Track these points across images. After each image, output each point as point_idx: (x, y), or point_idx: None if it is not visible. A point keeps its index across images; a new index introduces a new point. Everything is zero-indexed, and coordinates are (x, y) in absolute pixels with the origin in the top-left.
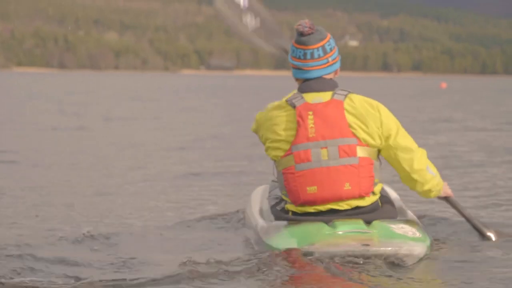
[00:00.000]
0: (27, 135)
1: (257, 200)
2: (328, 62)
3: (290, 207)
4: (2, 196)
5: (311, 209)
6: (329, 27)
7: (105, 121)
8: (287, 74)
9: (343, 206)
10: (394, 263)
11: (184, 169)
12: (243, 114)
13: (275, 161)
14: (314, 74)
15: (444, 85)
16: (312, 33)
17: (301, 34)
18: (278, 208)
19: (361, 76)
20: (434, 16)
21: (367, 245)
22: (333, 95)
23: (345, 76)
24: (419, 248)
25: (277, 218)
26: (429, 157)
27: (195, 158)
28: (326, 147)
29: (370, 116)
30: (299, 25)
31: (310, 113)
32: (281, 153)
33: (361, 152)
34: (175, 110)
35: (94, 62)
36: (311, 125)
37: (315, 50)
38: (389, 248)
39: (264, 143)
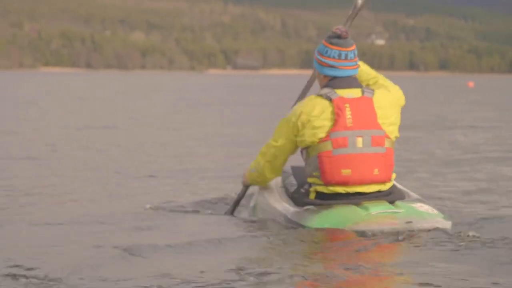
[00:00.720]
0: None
1: (271, 188)
2: (356, 64)
3: (320, 188)
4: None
5: (341, 189)
6: (355, 26)
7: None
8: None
9: (369, 189)
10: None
11: (191, 165)
12: (257, 113)
13: (309, 146)
14: (346, 72)
15: (471, 84)
16: (347, 35)
17: (338, 36)
18: (303, 190)
19: (388, 74)
20: (461, 14)
21: (410, 222)
22: (362, 92)
23: None
24: (449, 223)
25: (298, 203)
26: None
27: (202, 154)
28: (361, 136)
29: (394, 104)
30: (337, 29)
31: (347, 105)
32: (316, 139)
33: (387, 143)
34: (187, 109)
35: (120, 61)
36: (349, 116)
37: (349, 52)
38: (430, 224)
39: (299, 127)
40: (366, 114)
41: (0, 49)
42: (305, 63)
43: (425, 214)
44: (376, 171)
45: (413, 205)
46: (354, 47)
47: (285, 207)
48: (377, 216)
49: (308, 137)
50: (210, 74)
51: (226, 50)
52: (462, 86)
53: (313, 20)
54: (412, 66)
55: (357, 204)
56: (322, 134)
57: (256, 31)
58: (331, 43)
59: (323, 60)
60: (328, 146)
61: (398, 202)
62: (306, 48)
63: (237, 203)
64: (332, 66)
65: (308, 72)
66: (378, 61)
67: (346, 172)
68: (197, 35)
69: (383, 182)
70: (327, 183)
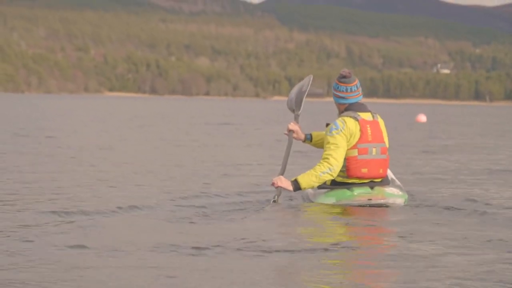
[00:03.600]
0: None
1: None
2: (360, 93)
3: (340, 178)
4: None
5: (357, 181)
6: (421, 54)
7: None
8: (377, 101)
9: (375, 180)
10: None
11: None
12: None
13: None
14: (353, 100)
15: None
16: (351, 75)
17: (344, 76)
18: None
19: (452, 104)
20: None
21: (370, 199)
22: (373, 116)
23: (436, 104)
24: (399, 200)
25: (319, 187)
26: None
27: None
28: (375, 147)
29: (384, 126)
30: (343, 71)
31: (368, 126)
32: (350, 146)
33: (387, 152)
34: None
35: (185, 87)
36: (369, 133)
37: (353, 86)
38: (383, 200)
39: (348, 138)
40: (378, 132)
41: (65, 73)
42: (370, 91)
43: (388, 194)
44: (381, 171)
45: (385, 189)
46: (356, 81)
47: (309, 190)
48: (357, 195)
49: (348, 144)
50: (275, 101)
51: (291, 77)
52: None
53: (378, 48)
54: (477, 95)
55: (349, 187)
56: (353, 143)
57: (321, 58)
58: (340, 82)
59: (337, 93)
60: (354, 152)
61: (376, 187)
62: (371, 75)
63: (278, 196)
64: (343, 97)
65: (372, 100)
66: (443, 91)
67: (364, 170)
68: (262, 61)
69: (382, 177)
70: (350, 177)
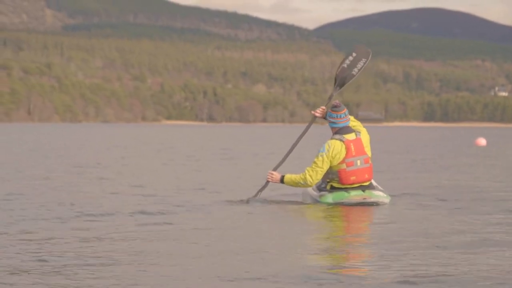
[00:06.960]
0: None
1: (309, 188)
2: (347, 119)
3: (334, 184)
4: None
5: (349, 187)
6: (478, 77)
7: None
8: (435, 125)
9: (363, 184)
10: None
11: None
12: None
13: (333, 165)
14: (342, 125)
15: None
16: (340, 105)
17: (335, 106)
18: (323, 185)
19: (509, 127)
20: None
21: (365, 198)
22: (356, 135)
23: (495, 127)
24: (386, 200)
25: (319, 190)
26: None
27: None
28: (359, 159)
29: (368, 141)
30: (335, 102)
31: (352, 144)
32: (337, 162)
33: (370, 161)
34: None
35: (242, 114)
36: (353, 149)
37: (342, 114)
38: (374, 200)
39: (332, 159)
40: (360, 148)
41: (122, 102)
42: (428, 115)
43: (376, 195)
44: (366, 176)
45: (374, 192)
46: (345, 110)
47: (313, 192)
48: (353, 195)
49: (335, 162)
50: None
51: (348, 102)
52: None
53: (435, 72)
54: None
55: (346, 190)
56: (340, 159)
57: (378, 83)
58: (333, 110)
59: (330, 119)
60: (343, 166)
61: (367, 190)
62: (428, 99)
63: (261, 190)
64: (334, 123)
65: (430, 124)
66: (500, 113)
67: (353, 178)
68: (319, 87)
69: (369, 180)
70: (343, 184)
